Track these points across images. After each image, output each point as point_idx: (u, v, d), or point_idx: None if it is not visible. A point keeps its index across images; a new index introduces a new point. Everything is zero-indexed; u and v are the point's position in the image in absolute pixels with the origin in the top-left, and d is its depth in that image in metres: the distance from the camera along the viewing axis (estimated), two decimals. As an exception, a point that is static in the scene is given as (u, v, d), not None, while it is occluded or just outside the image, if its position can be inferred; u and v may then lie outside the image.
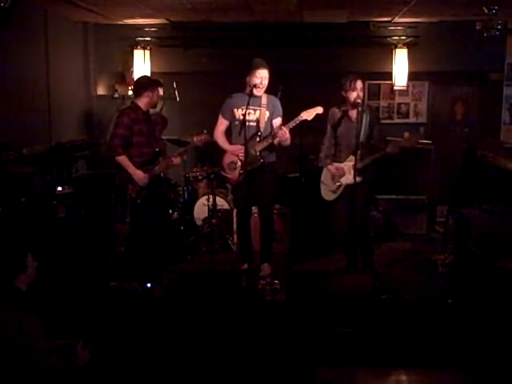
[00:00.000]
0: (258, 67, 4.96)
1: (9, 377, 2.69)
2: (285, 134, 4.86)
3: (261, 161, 5.00)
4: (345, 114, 4.93)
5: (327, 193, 5.15)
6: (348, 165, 4.90)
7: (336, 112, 5.00)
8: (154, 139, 5.15)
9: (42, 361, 2.80)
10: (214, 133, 5.22)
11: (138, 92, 5.09)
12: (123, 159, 4.90)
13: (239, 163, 5.08)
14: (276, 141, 4.97)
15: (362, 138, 4.82)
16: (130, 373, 3.47)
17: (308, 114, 4.86)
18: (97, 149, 7.04)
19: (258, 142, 5.01)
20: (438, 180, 6.98)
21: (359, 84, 4.81)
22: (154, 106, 5.26)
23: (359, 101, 4.80)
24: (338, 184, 5.02)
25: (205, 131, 5.29)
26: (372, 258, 5.14)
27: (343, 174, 4.96)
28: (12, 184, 4.86)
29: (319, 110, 4.89)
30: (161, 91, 5.35)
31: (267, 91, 5.10)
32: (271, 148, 5.06)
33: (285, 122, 5.03)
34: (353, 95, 4.80)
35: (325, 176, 5.14)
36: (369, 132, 4.86)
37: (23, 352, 2.72)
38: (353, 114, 4.91)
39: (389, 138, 5.33)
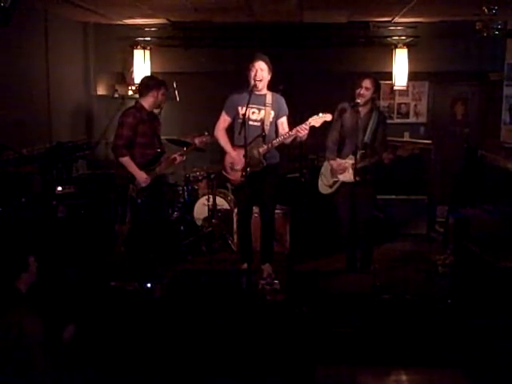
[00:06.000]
0: (252, 61, 4.83)
1: (9, 377, 2.69)
2: (304, 131, 4.75)
3: (264, 163, 4.89)
4: (354, 109, 4.87)
5: (323, 186, 5.13)
6: (350, 162, 4.86)
7: (345, 106, 4.96)
8: (157, 140, 5.12)
9: (42, 361, 2.80)
10: (215, 130, 5.06)
11: (143, 92, 5.03)
12: (126, 160, 4.87)
13: (240, 165, 4.91)
14: (289, 140, 4.86)
15: (367, 137, 4.83)
16: (129, 372, 3.47)
17: (316, 122, 4.76)
18: (97, 149, 7.03)
19: (263, 144, 4.87)
20: (438, 180, 6.97)
21: (364, 83, 4.82)
22: (159, 107, 5.19)
23: (362, 98, 4.81)
24: (335, 179, 5.00)
25: (206, 133, 5.20)
26: (370, 258, 5.14)
27: (344, 171, 4.92)
28: (12, 184, 4.86)
29: (328, 117, 4.79)
30: (164, 91, 5.29)
31: (269, 90, 4.99)
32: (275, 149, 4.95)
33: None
34: (356, 92, 4.84)
35: (325, 169, 5.11)
36: (374, 132, 4.86)
37: (23, 352, 2.72)
38: (362, 111, 4.89)
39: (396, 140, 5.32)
